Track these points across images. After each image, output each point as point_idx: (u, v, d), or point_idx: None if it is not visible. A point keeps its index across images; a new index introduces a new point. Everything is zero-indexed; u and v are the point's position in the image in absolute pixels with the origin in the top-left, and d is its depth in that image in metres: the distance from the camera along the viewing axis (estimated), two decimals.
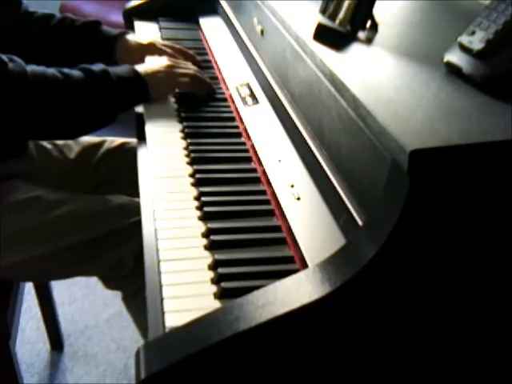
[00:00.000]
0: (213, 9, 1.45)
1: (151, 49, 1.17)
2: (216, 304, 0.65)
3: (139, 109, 1.08)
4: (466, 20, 0.69)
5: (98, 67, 0.98)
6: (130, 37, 1.21)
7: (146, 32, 1.40)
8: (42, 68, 0.93)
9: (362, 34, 0.82)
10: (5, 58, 0.89)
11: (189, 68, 1.10)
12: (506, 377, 0.69)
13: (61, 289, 1.68)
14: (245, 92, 1.07)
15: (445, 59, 0.70)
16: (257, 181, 0.88)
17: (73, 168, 1.17)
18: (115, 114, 1.00)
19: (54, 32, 1.18)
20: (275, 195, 0.81)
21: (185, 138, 0.99)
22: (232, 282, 0.67)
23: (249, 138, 0.97)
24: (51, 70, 0.93)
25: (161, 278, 0.68)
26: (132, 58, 1.13)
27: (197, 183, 0.87)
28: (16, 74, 0.89)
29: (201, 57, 1.25)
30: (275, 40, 0.97)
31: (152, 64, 1.07)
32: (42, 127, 0.95)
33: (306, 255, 0.69)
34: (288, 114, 0.89)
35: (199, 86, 1.10)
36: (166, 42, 1.23)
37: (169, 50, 1.19)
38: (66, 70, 0.95)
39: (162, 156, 0.94)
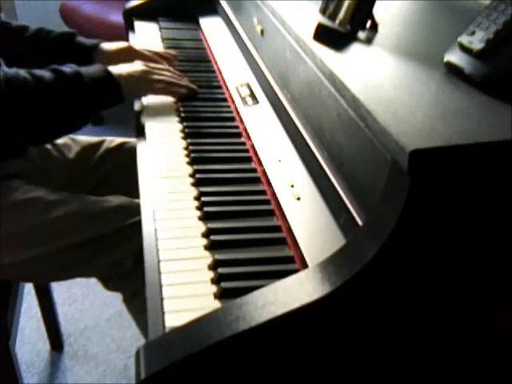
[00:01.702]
0: (213, 9, 1.45)
1: (129, 53, 1.17)
2: (216, 304, 0.65)
3: (139, 109, 1.08)
4: (466, 20, 0.69)
5: (69, 68, 0.97)
6: (106, 45, 1.20)
7: (146, 32, 1.40)
8: (13, 70, 0.93)
9: (362, 34, 0.82)
10: None
11: (164, 74, 1.10)
12: (506, 375, 0.69)
13: (61, 289, 1.68)
14: (245, 92, 1.07)
15: (445, 59, 0.70)
16: (257, 181, 0.88)
17: (72, 168, 1.17)
18: (89, 115, 1.00)
19: (29, 43, 1.18)
20: (275, 195, 0.81)
21: (185, 138, 0.99)
22: (232, 282, 0.67)
23: (249, 138, 0.97)
24: (22, 73, 0.93)
25: (161, 278, 0.68)
26: (111, 64, 1.13)
27: (197, 183, 0.87)
28: None
29: (201, 57, 1.25)
30: (275, 40, 0.96)
31: (126, 67, 1.06)
32: (14, 132, 0.94)
33: (306, 255, 0.69)
34: (288, 114, 0.89)
35: (175, 91, 1.10)
36: (144, 48, 1.23)
37: (147, 53, 1.18)
38: (37, 73, 0.94)
39: (162, 156, 0.94)
